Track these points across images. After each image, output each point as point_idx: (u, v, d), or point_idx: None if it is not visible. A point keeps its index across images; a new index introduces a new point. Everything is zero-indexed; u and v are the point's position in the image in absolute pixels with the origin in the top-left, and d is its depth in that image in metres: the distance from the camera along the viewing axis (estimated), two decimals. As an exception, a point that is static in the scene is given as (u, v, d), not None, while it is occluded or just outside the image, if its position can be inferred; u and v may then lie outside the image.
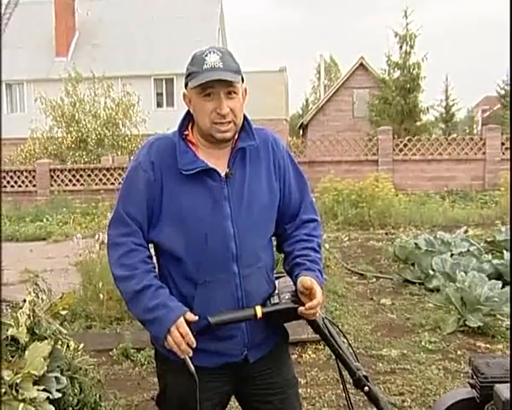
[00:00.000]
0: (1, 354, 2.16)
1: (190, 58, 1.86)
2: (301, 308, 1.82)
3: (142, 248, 1.88)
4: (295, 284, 1.88)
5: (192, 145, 1.90)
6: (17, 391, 2.05)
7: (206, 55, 1.80)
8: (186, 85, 1.86)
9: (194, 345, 1.77)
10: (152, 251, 1.94)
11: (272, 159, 1.96)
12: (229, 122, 1.82)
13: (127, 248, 1.86)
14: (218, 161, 1.88)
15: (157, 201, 1.86)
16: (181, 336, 1.76)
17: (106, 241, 1.96)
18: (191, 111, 1.89)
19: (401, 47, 23.38)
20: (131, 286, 1.83)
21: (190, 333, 1.77)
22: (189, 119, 1.93)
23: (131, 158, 1.99)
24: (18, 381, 2.07)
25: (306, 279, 1.81)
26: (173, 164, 1.85)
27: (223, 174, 1.87)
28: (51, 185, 17.20)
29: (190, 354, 1.77)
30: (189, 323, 1.78)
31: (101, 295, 5.32)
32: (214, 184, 1.86)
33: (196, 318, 1.79)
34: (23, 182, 17.40)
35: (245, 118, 1.90)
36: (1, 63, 20.58)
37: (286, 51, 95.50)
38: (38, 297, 2.60)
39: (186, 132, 1.92)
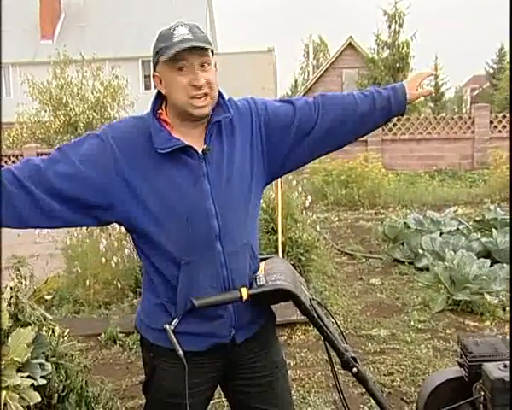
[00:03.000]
0: (0, 345, 2.12)
1: (157, 37, 1.79)
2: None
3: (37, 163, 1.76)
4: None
5: (166, 125, 1.84)
6: (0, 379, 2.02)
7: (174, 30, 1.74)
8: (156, 66, 1.80)
9: None
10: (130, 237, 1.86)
11: (250, 125, 1.90)
12: (206, 95, 1.76)
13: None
14: (194, 139, 1.82)
15: (119, 181, 1.76)
16: None
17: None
18: (163, 92, 1.82)
19: (390, 26, 23.21)
20: None
21: None
22: (161, 99, 1.87)
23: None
24: (1, 368, 2.04)
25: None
26: (148, 144, 1.79)
27: (200, 151, 1.81)
28: (39, 170, 17.04)
29: None
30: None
31: (87, 280, 5.28)
32: (192, 162, 1.79)
33: None
34: (10, 167, 17.24)
35: (219, 92, 1.84)
36: (1, 49, 20.23)
37: (274, 31, 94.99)
38: (22, 283, 2.55)
39: (160, 111, 1.87)
